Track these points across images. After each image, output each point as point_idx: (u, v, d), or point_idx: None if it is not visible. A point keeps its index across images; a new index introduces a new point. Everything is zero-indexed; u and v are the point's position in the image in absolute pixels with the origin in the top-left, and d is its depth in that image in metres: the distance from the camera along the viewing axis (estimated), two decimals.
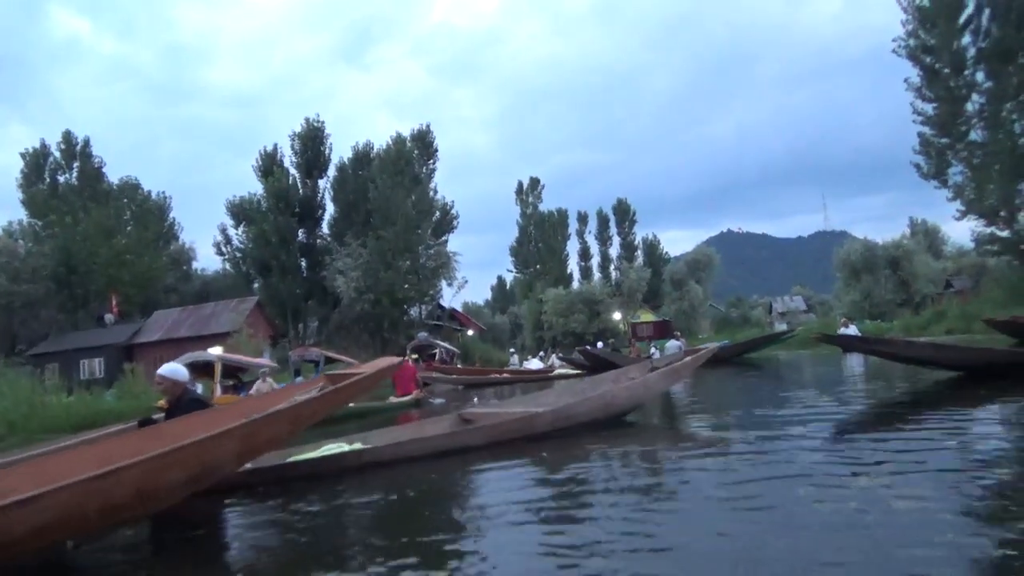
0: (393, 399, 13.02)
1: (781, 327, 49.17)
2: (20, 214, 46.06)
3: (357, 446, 5.10)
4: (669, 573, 2.32)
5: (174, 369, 4.85)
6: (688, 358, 7.25)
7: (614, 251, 72.91)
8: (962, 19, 25.55)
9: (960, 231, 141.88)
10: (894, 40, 27.32)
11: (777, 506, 2.97)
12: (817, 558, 2.27)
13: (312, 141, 48.57)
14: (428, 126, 48.49)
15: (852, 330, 19.78)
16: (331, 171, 49.13)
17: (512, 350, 28.26)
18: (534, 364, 25.47)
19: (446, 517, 3.39)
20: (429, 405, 12.39)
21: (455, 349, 31.39)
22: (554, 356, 29.69)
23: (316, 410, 3.88)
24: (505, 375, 21.86)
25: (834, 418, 5.75)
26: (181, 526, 3.53)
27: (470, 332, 55.80)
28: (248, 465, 4.42)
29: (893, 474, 3.32)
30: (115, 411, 17.50)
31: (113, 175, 51.65)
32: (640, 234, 74.85)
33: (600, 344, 31.32)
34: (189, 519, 3.67)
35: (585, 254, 73.86)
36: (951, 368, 7.96)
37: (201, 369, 18.65)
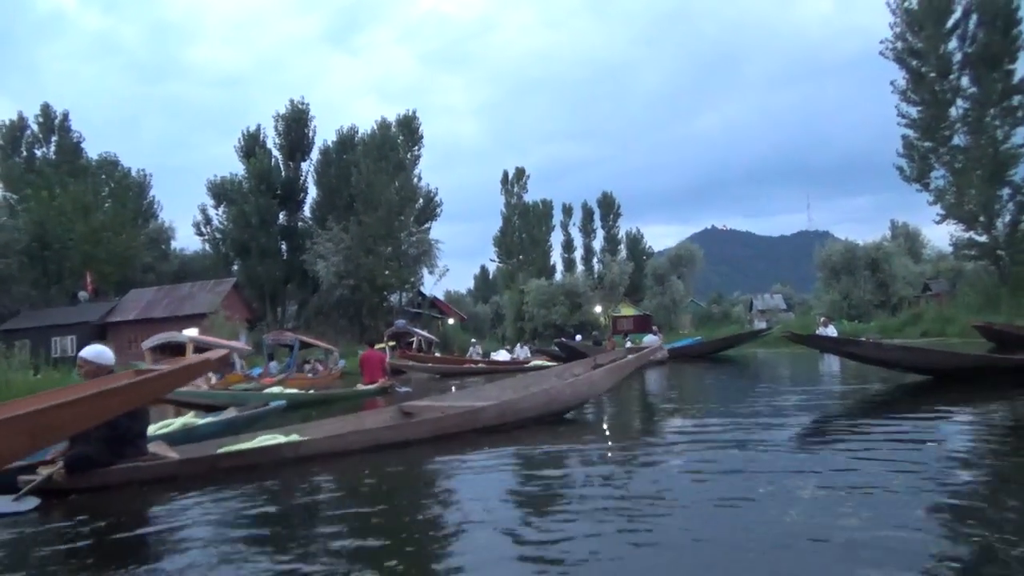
0: (360, 386, 12.85)
1: (761, 325, 49.35)
2: None
3: (294, 437, 4.88)
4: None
5: (99, 351, 4.52)
6: (631, 356, 7.18)
7: (597, 244, 72.96)
8: (949, 23, 25.63)
9: (940, 235, 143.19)
10: (882, 42, 27.39)
11: (700, 514, 2.86)
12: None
13: (296, 123, 48.04)
14: (414, 112, 48.00)
15: (831, 330, 19.78)
16: (315, 154, 48.68)
17: (473, 340, 28.04)
18: (501, 355, 25.28)
19: (383, 513, 3.24)
20: (396, 394, 12.20)
21: (433, 337, 31.21)
22: (520, 348, 29.48)
23: (111, 403, 3.71)
24: (481, 365, 21.73)
25: (788, 419, 5.66)
26: (97, 520, 3.31)
27: (451, 321, 55.61)
28: (175, 455, 4.28)
29: (833, 484, 3.22)
30: None
31: (94, 151, 50.92)
32: (624, 228, 75.07)
33: (579, 337, 31.22)
34: (106, 512, 3.44)
35: (568, 246, 73.73)
36: (919, 372, 7.92)
37: (173, 350, 18.37)
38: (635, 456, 4.39)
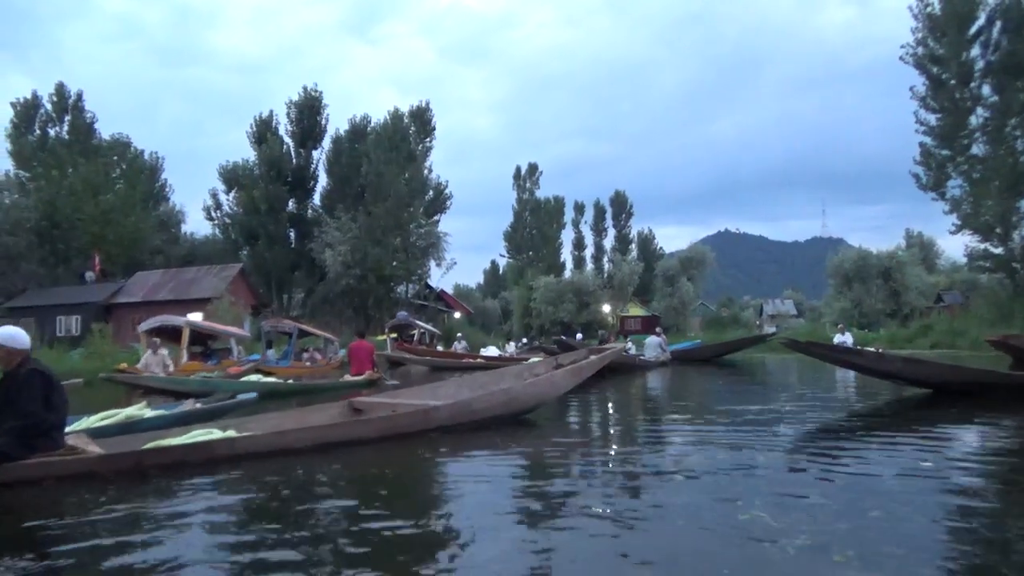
0: (348, 377, 12.56)
1: (770, 330, 48.86)
2: (8, 165, 45.31)
3: (231, 433, 4.54)
4: None
5: (12, 335, 4.13)
6: (593, 357, 6.90)
7: (608, 243, 72.57)
8: (972, 30, 25.08)
9: (956, 246, 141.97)
10: (902, 47, 26.88)
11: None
12: None
13: (309, 110, 47.82)
14: (427, 103, 47.69)
15: (847, 337, 19.32)
16: (327, 143, 48.47)
17: (459, 335, 27.57)
18: (490, 351, 24.89)
19: (320, 519, 2.96)
20: (383, 386, 11.90)
21: (435, 330, 30.89)
22: (510, 344, 28.95)
23: None
24: (479, 360, 21.41)
25: (768, 430, 5.33)
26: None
27: (457, 314, 55.35)
28: (97, 449, 3.95)
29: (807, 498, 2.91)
30: (78, 370, 17.02)
31: (114, 133, 50.88)
32: (636, 228, 74.61)
33: (580, 336, 30.83)
34: (8, 510, 3.17)
35: (579, 244, 73.36)
36: (920, 385, 7.57)
37: (169, 334, 18.15)
38: (590, 461, 4.18)
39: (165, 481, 3.69)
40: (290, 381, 12.21)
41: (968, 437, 5.02)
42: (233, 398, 6.28)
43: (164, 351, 14.58)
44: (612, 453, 4.62)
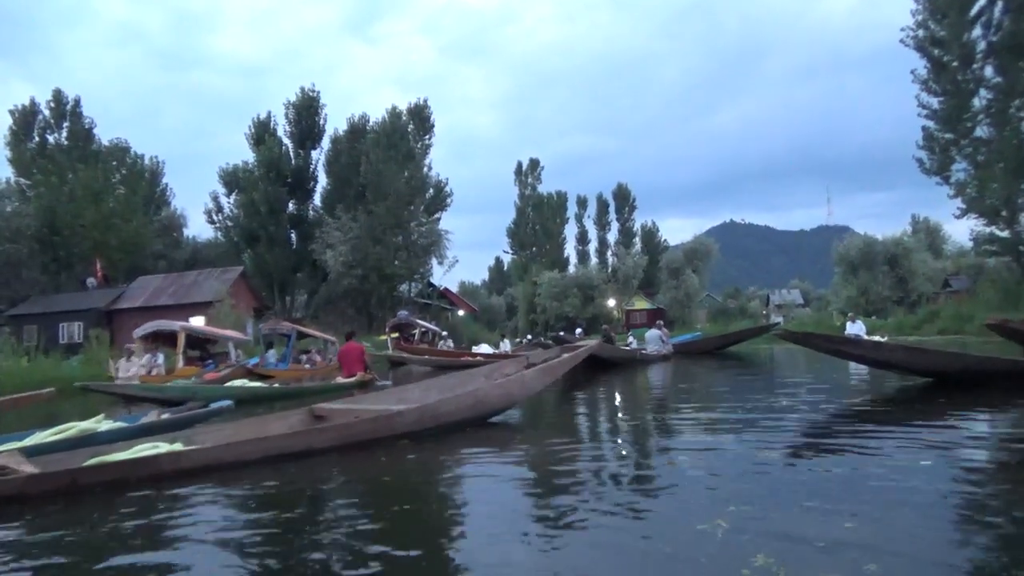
0: (340, 379, 12.34)
1: (777, 320, 48.49)
2: (8, 173, 45.31)
3: (177, 446, 4.27)
4: None
5: None
6: (565, 355, 6.64)
7: (612, 237, 72.24)
8: (974, 11, 24.67)
9: (962, 230, 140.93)
10: (902, 30, 26.51)
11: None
12: None
13: (307, 111, 47.70)
14: (425, 101, 47.47)
15: (859, 326, 18.95)
16: (326, 143, 48.33)
17: (444, 332, 27.26)
18: (483, 348, 24.60)
19: (273, 544, 2.72)
20: (374, 388, 11.67)
21: (437, 329, 30.64)
22: (507, 342, 28.57)
23: None
24: (479, 357, 21.18)
25: (764, 423, 5.06)
26: None
27: (460, 312, 55.18)
28: (30, 468, 3.67)
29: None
30: (74, 377, 16.84)
31: (113, 137, 50.85)
32: (639, 221, 74.25)
33: (579, 331, 30.55)
34: None
35: (583, 238, 73.12)
36: (921, 374, 7.30)
37: (165, 338, 17.98)
38: (560, 462, 3.90)
39: (103, 502, 3.44)
40: (278, 385, 11.99)
41: (971, 427, 4.75)
42: (205, 407, 5.96)
43: (136, 358, 14.26)
44: (598, 452, 4.39)
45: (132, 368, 13.72)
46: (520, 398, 6.08)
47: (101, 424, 4.93)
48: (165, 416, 5.48)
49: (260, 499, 3.53)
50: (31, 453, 4.05)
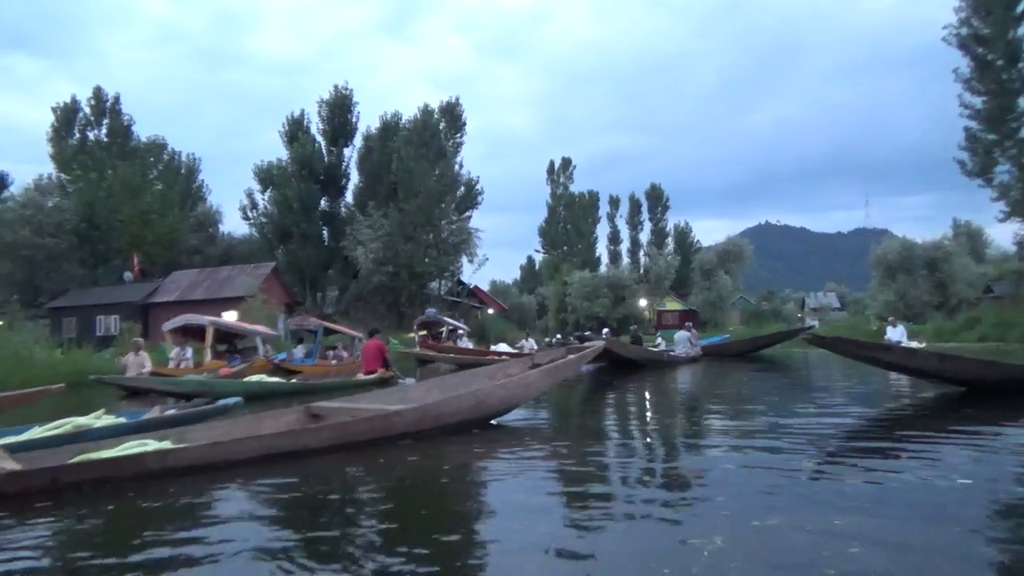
0: (360, 376, 12.30)
1: (812, 323, 47.63)
2: (50, 168, 46.32)
3: (166, 444, 4.14)
4: None
5: None
6: (572, 356, 6.42)
7: (644, 237, 71.65)
8: (1020, 7, 23.91)
9: (1005, 234, 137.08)
10: (944, 28, 25.75)
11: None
12: None
13: (339, 109, 48.04)
14: (457, 99, 47.56)
15: (900, 331, 18.37)
16: (358, 140, 48.64)
17: (461, 331, 27.03)
18: (502, 347, 24.40)
19: (256, 547, 2.58)
20: (397, 385, 11.59)
21: (464, 327, 30.52)
22: (529, 341, 28.24)
23: None
24: (504, 356, 21.06)
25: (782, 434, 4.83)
26: None
27: (490, 311, 55.12)
28: (12, 465, 3.58)
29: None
30: (103, 369, 17.02)
31: (153, 134, 51.69)
32: (672, 221, 73.48)
33: (607, 331, 30.22)
34: None
35: (615, 238, 72.68)
36: (955, 383, 6.99)
37: (194, 333, 18.15)
38: (568, 468, 3.70)
39: (89, 501, 3.34)
40: (296, 381, 11.98)
41: (1007, 440, 4.49)
42: (213, 403, 5.88)
43: (144, 353, 14.26)
44: (618, 454, 4.24)
45: (136, 363, 13.69)
46: (523, 399, 5.92)
47: (99, 420, 4.85)
48: (170, 412, 5.41)
49: (248, 499, 3.43)
50: (19, 449, 4.00)
